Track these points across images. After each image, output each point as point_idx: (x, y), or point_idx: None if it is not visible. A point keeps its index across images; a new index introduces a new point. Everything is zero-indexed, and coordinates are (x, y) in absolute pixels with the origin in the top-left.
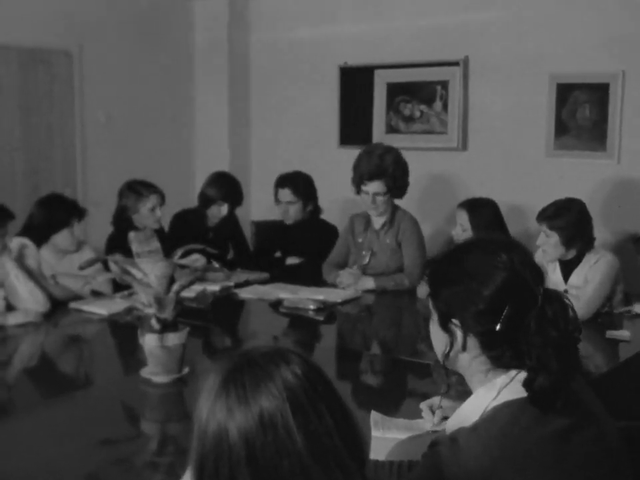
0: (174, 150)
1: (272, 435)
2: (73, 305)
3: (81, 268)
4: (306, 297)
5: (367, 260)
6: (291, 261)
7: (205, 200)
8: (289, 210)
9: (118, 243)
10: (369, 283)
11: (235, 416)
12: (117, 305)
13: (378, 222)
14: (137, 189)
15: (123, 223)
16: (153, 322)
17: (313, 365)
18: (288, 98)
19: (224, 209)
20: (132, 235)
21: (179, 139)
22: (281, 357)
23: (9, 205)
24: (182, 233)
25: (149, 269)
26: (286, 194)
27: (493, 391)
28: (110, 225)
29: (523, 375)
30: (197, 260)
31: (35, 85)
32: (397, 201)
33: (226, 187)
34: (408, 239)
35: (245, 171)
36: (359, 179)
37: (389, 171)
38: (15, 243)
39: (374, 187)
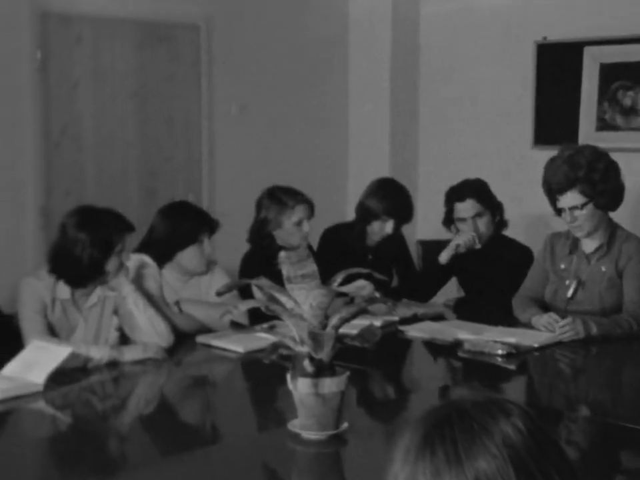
0: (323, 150)
1: None
2: (200, 339)
3: (219, 294)
4: (492, 339)
5: (570, 292)
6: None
7: (365, 213)
8: (478, 225)
9: (255, 264)
10: (591, 329)
11: None
12: (256, 340)
13: (589, 245)
14: (280, 198)
15: (262, 239)
16: (306, 363)
17: (535, 419)
18: (466, 87)
19: (388, 226)
20: (283, 254)
21: (329, 136)
22: (498, 407)
23: (130, 217)
24: (334, 253)
25: (303, 297)
26: (469, 207)
27: None
28: (240, 241)
29: None
30: (363, 287)
31: (153, 68)
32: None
33: (392, 198)
34: (633, 267)
35: (410, 178)
36: (550, 194)
37: (581, 175)
38: (133, 261)
39: (568, 199)
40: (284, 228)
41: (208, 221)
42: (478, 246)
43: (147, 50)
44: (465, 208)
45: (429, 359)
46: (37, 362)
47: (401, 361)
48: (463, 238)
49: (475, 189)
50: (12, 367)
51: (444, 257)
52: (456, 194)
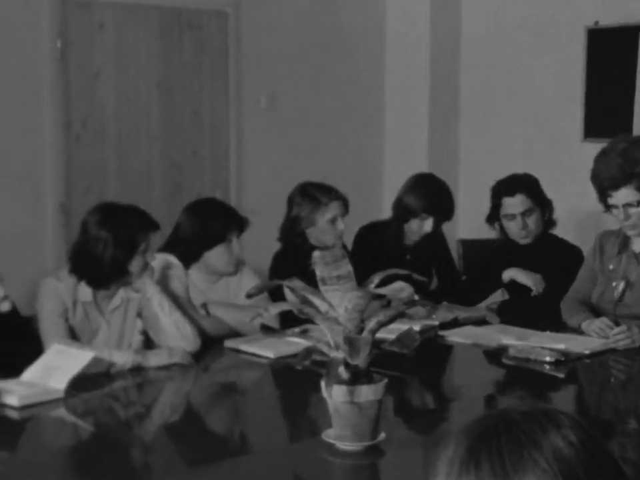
0: (357, 144)
1: None
2: (228, 343)
3: (249, 296)
4: (540, 345)
5: (618, 293)
6: (512, 273)
7: (403, 211)
8: (527, 222)
9: (287, 265)
10: None
11: None
12: (288, 345)
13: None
14: (313, 194)
15: (294, 238)
16: (342, 370)
17: (588, 430)
18: (511, 77)
19: (427, 224)
20: (317, 254)
21: (364, 129)
22: (548, 418)
23: (154, 215)
24: (370, 252)
25: (338, 300)
26: (519, 202)
27: None
28: (270, 240)
29: None
30: (402, 289)
31: (178, 57)
32: None
33: (432, 194)
34: None
35: (450, 174)
36: (601, 190)
37: (637, 170)
38: (158, 260)
39: (621, 196)
40: (317, 226)
41: (237, 218)
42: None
43: (172, 38)
44: (514, 203)
45: (471, 365)
46: (57, 367)
47: (441, 368)
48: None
49: (525, 184)
50: (31, 372)
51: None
52: (504, 188)
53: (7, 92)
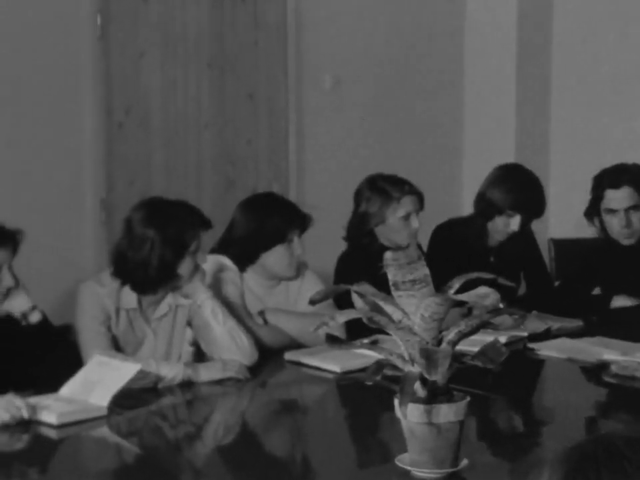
0: (433, 131)
1: None
2: (289, 355)
3: (312, 302)
4: None
5: None
6: (620, 302)
7: (487, 207)
8: (632, 219)
9: (354, 267)
10: None
11: None
12: (356, 358)
13: None
14: (383, 188)
15: (363, 237)
16: (417, 386)
17: None
18: (609, 58)
19: (514, 222)
20: (389, 255)
21: (441, 114)
22: None
23: (205, 211)
24: (449, 254)
25: (413, 307)
26: (624, 196)
27: None
28: (335, 240)
29: None
30: (485, 295)
31: (232, 34)
32: None
33: (520, 189)
34: None
35: (540, 166)
36: None
37: None
38: (210, 263)
39: None
40: (388, 224)
41: (298, 215)
42: None
43: (224, 13)
44: (618, 197)
45: (567, 384)
46: (99, 381)
47: (531, 385)
48: None
49: (634, 176)
50: (70, 387)
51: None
52: (609, 179)
53: (41, 76)
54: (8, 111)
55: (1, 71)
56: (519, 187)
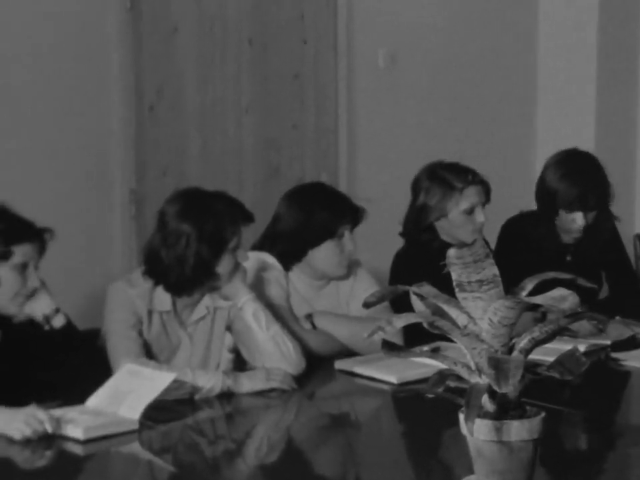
0: (501, 113)
1: None
2: (340, 364)
3: (367, 305)
4: None
5: None
6: None
7: (549, 199)
8: None
9: (413, 266)
10: None
11: None
12: (415, 367)
13: None
14: (444, 178)
15: (422, 233)
16: (486, 400)
17: None
18: None
19: (578, 217)
20: (453, 253)
21: (510, 94)
22: None
23: (246, 204)
24: (520, 251)
25: (480, 310)
26: None
27: None
28: (391, 235)
29: None
30: (563, 298)
31: (274, 8)
32: None
33: (586, 179)
34: None
35: (624, 154)
36: None
37: None
38: (252, 261)
39: None
40: (450, 218)
41: (349, 208)
42: None
43: None
44: None
45: None
46: (129, 392)
47: (615, 400)
48: None
49: None
50: (98, 398)
51: None
52: None
53: (65, 53)
54: (27, 94)
55: (21, 49)
56: (584, 176)
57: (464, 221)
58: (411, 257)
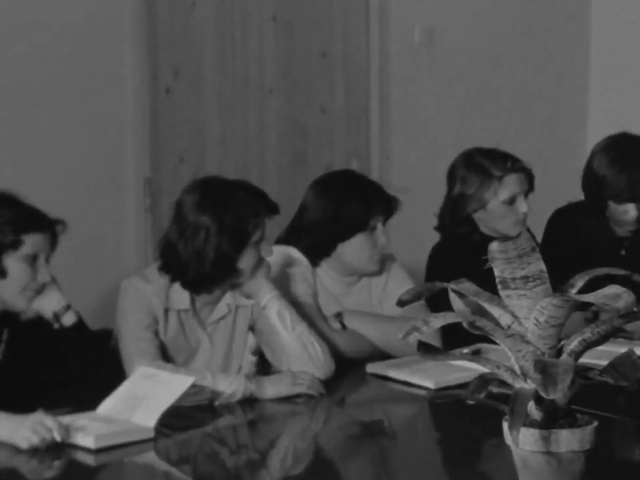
0: (548, 97)
1: None
2: (372, 368)
3: (401, 303)
4: None
5: None
6: None
7: (600, 189)
8: None
9: (451, 261)
10: None
11: None
12: (454, 371)
13: None
14: (482, 165)
15: (459, 225)
16: (532, 407)
17: None
18: None
19: (631, 209)
20: (496, 247)
21: (560, 76)
22: None
23: (269, 193)
24: (569, 244)
25: (525, 310)
26: None
27: None
28: (426, 228)
29: None
30: (616, 297)
31: None
32: None
33: (636, 165)
34: None
35: None
36: None
37: None
38: (277, 255)
39: None
40: (489, 209)
41: (382, 199)
42: None
43: None
44: None
45: None
46: (144, 397)
47: None
48: None
49: None
50: (110, 404)
51: None
52: None
53: (77, 33)
54: (38, 78)
55: (33, 30)
56: (620, 163)
57: (505, 212)
58: (448, 251)
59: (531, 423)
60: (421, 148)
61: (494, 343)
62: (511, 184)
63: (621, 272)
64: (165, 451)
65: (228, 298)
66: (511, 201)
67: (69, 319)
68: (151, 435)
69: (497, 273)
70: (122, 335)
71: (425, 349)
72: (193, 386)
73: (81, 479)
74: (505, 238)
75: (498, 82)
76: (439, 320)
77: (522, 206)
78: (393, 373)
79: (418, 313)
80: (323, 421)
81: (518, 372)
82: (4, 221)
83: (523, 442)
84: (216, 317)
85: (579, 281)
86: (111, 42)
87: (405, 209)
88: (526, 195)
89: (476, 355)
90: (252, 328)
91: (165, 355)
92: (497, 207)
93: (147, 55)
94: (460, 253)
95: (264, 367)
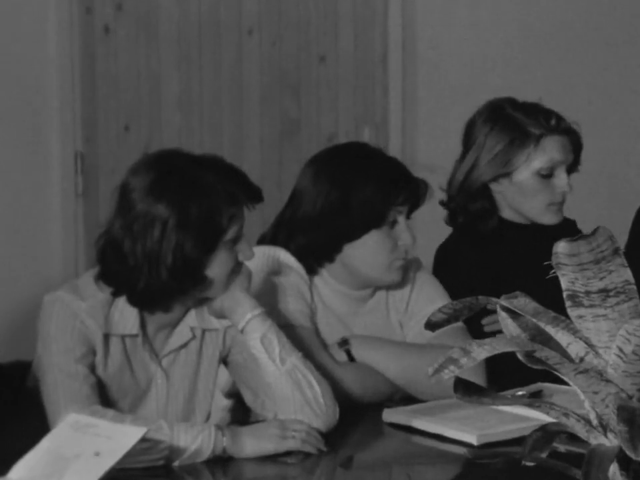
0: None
1: None
2: (389, 415)
3: (432, 326)
4: None
5: None
6: None
7: None
8: None
9: (461, 256)
10: None
11: None
12: (504, 421)
13: None
14: (513, 118)
15: (473, 198)
16: (615, 471)
17: None
18: None
19: None
20: (563, 247)
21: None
22: None
23: (249, 174)
24: None
25: (605, 335)
26: None
27: None
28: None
29: None
30: None
31: None
32: None
33: None
34: None
35: None
36: None
37: None
38: (260, 259)
39: None
40: (516, 179)
41: (404, 182)
42: None
43: None
44: None
45: None
46: (76, 457)
47: None
48: None
49: None
50: (27, 468)
51: None
52: None
53: None
54: None
55: None
56: None
57: (537, 187)
58: (457, 250)
59: None
60: (455, 113)
61: (561, 381)
62: (551, 148)
63: None
64: None
65: (192, 319)
66: (549, 172)
67: None
68: None
69: (564, 284)
70: (45, 371)
71: (464, 389)
72: (144, 440)
73: None
74: (535, 226)
75: (554, 31)
76: (485, 350)
77: (562, 181)
78: (418, 423)
79: (455, 340)
80: None
81: (595, 422)
82: None
83: None
84: (175, 344)
85: None
86: None
87: (435, 196)
88: (569, 170)
89: (536, 398)
90: (224, 360)
91: (105, 398)
92: (528, 179)
93: None
94: (472, 249)
95: (241, 414)
